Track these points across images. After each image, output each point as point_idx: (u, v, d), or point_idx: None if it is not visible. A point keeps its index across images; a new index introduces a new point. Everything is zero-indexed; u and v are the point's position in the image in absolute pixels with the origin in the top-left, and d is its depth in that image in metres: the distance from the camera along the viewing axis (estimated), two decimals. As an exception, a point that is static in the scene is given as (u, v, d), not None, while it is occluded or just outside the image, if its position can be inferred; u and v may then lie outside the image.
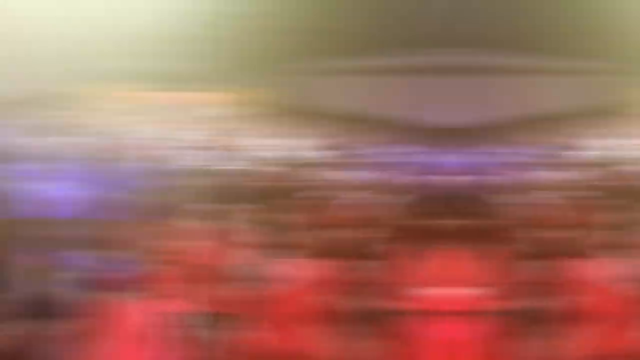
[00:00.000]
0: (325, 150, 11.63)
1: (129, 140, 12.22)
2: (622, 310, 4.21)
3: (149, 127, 15.73)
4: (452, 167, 8.75)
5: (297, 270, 4.71)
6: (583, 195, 7.00)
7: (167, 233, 5.53)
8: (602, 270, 4.61)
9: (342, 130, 15.57)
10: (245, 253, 5.11)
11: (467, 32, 14.30)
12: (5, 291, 4.15)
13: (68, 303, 3.99)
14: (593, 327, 4.11)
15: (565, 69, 15.40)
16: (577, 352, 4.01)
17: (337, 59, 20.06)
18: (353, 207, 6.76)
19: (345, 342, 3.70)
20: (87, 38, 22.55)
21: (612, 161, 9.60)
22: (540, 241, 5.58)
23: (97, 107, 21.73)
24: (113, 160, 9.54)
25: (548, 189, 7.61)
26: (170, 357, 3.41)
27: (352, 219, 6.25)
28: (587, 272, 4.63)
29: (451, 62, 13.83)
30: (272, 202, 6.89)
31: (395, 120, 15.79)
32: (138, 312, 3.91)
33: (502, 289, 4.51)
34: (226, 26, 22.39)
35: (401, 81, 16.12)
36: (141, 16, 22.29)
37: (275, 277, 4.57)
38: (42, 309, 3.90)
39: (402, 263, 4.98)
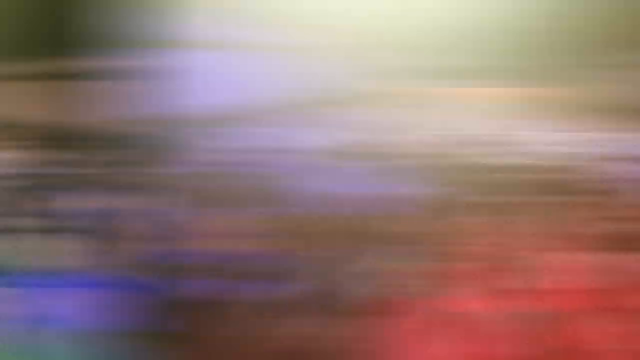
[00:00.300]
0: (617, 142, 11.24)
1: (420, 137, 12.06)
2: None
3: (439, 123, 15.40)
4: None
5: (588, 264, 4.62)
6: None
7: (456, 228, 5.45)
8: None
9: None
10: (534, 247, 5.03)
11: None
12: (297, 287, 4.09)
13: (359, 300, 3.93)
14: None
15: None
16: None
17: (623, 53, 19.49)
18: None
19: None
20: (386, 34, 22.43)
21: None
22: None
23: (393, 103, 21.66)
24: (401, 156, 9.33)
25: None
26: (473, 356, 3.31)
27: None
28: None
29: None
30: (560, 196, 6.69)
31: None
32: (430, 309, 3.85)
33: None
34: (524, 21, 22.05)
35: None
36: (441, 12, 21.98)
37: (569, 270, 4.50)
38: (333, 305, 3.85)
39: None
